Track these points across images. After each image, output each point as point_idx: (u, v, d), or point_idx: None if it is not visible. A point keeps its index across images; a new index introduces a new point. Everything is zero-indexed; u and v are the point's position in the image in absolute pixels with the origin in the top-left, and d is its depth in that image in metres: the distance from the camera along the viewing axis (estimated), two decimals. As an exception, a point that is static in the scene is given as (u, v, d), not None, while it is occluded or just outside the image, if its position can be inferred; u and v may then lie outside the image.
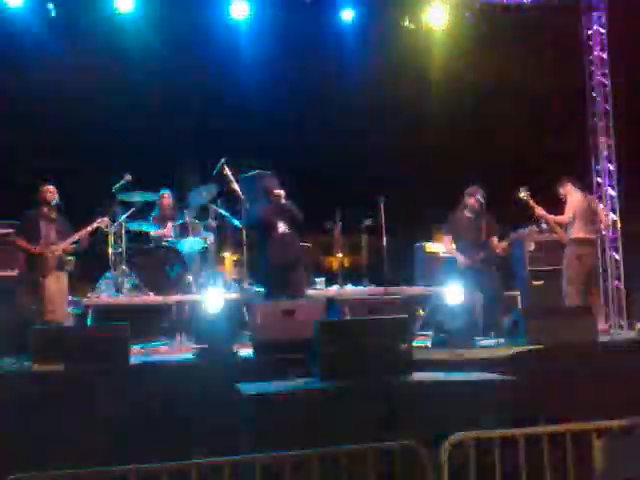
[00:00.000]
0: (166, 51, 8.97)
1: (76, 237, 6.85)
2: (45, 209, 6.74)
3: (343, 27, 9.57)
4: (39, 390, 4.78)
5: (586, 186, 8.15)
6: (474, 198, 7.31)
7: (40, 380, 4.92)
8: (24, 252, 6.68)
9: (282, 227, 7.00)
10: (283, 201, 6.98)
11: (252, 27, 9.23)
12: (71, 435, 4.48)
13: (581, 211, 7.39)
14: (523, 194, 7.31)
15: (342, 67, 9.65)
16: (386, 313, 6.06)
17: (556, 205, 7.51)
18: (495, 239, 7.31)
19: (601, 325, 7.49)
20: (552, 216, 7.44)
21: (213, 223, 8.43)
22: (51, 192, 6.78)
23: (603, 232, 8.43)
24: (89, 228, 6.93)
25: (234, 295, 7.81)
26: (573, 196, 7.45)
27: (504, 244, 7.30)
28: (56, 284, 6.68)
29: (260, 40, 9.28)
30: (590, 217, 7.44)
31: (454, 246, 7.40)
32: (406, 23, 9.46)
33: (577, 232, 7.35)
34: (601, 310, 8.40)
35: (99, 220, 6.99)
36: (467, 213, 7.39)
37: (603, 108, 9.74)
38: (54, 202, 6.76)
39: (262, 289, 8.03)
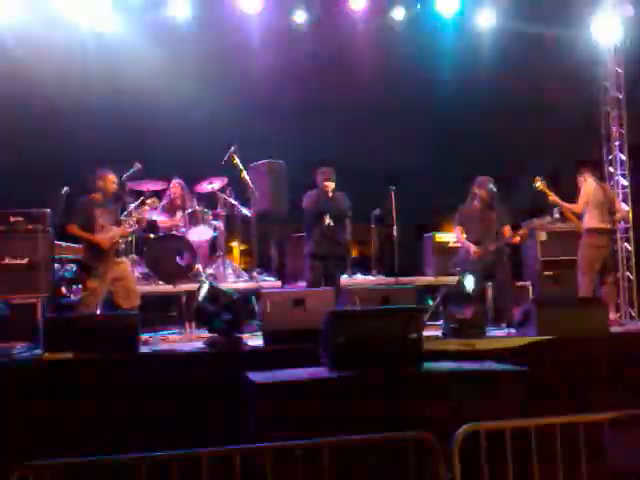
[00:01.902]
0: (172, 38, 8.93)
1: (133, 221, 6.78)
2: (100, 196, 6.62)
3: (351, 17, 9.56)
4: (49, 378, 4.80)
5: (602, 175, 8.11)
6: (484, 188, 7.26)
7: (50, 368, 4.93)
8: (85, 240, 6.54)
9: (327, 220, 7.14)
10: (330, 194, 7.15)
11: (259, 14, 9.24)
12: (79, 423, 4.50)
13: (596, 200, 7.35)
14: (539, 183, 7.31)
15: (348, 56, 9.61)
16: (396, 303, 6.03)
17: (571, 193, 7.48)
18: (507, 229, 7.26)
19: (612, 316, 7.44)
20: (567, 204, 7.42)
21: (222, 212, 8.41)
22: (112, 182, 6.66)
23: (619, 223, 8.37)
24: (143, 210, 6.92)
25: (242, 284, 7.81)
26: (588, 184, 7.43)
27: (521, 233, 7.24)
28: (122, 269, 6.60)
29: (270, 25, 9.24)
30: (606, 206, 7.41)
31: (465, 236, 7.36)
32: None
33: (593, 222, 7.32)
34: (614, 301, 8.34)
35: (149, 201, 6.98)
36: (477, 204, 7.35)
37: (615, 97, 9.65)
38: (101, 192, 6.60)
39: (273, 279, 8.07)
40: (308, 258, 7.32)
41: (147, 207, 7.03)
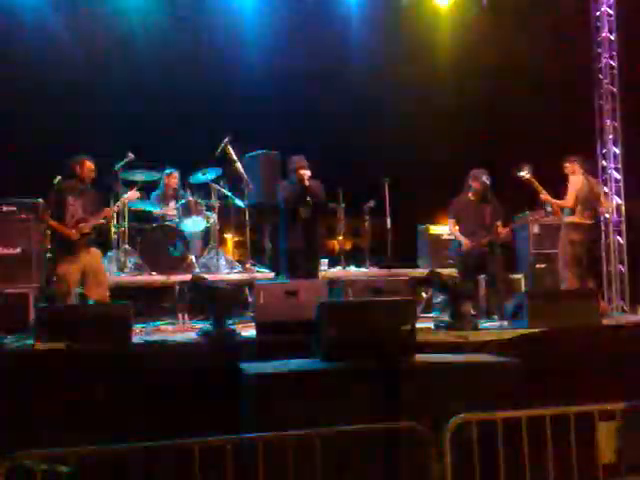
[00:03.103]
0: (170, 31, 8.92)
1: (105, 214, 6.68)
2: (76, 183, 6.49)
3: (348, 9, 9.54)
4: (40, 369, 4.79)
5: (593, 168, 8.10)
6: (479, 181, 7.26)
7: (41, 359, 4.91)
8: (52, 229, 6.42)
9: (304, 212, 7.10)
10: (307, 183, 7.04)
11: (258, 8, 9.24)
12: (71, 415, 4.49)
13: (582, 195, 7.33)
14: (525, 173, 7.20)
15: (345, 49, 9.60)
16: (389, 295, 6.03)
17: (560, 185, 7.46)
18: (499, 224, 7.26)
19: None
20: (556, 200, 7.39)
21: (216, 203, 8.38)
22: (89, 169, 6.52)
23: (604, 216, 8.37)
24: (119, 204, 6.90)
25: (236, 276, 7.81)
26: (575, 178, 7.38)
27: (507, 230, 7.25)
28: (92, 260, 6.48)
29: (265, 21, 9.24)
30: (590, 201, 7.37)
31: (458, 228, 7.37)
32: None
33: (573, 216, 7.30)
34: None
35: (129, 194, 6.97)
36: (471, 196, 7.34)
37: (609, 90, 9.64)
38: (77, 178, 6.47)
39: (267, 270, 8.06)
40: (284, 252, 7.28)
41: (126, 200, 7.01)
